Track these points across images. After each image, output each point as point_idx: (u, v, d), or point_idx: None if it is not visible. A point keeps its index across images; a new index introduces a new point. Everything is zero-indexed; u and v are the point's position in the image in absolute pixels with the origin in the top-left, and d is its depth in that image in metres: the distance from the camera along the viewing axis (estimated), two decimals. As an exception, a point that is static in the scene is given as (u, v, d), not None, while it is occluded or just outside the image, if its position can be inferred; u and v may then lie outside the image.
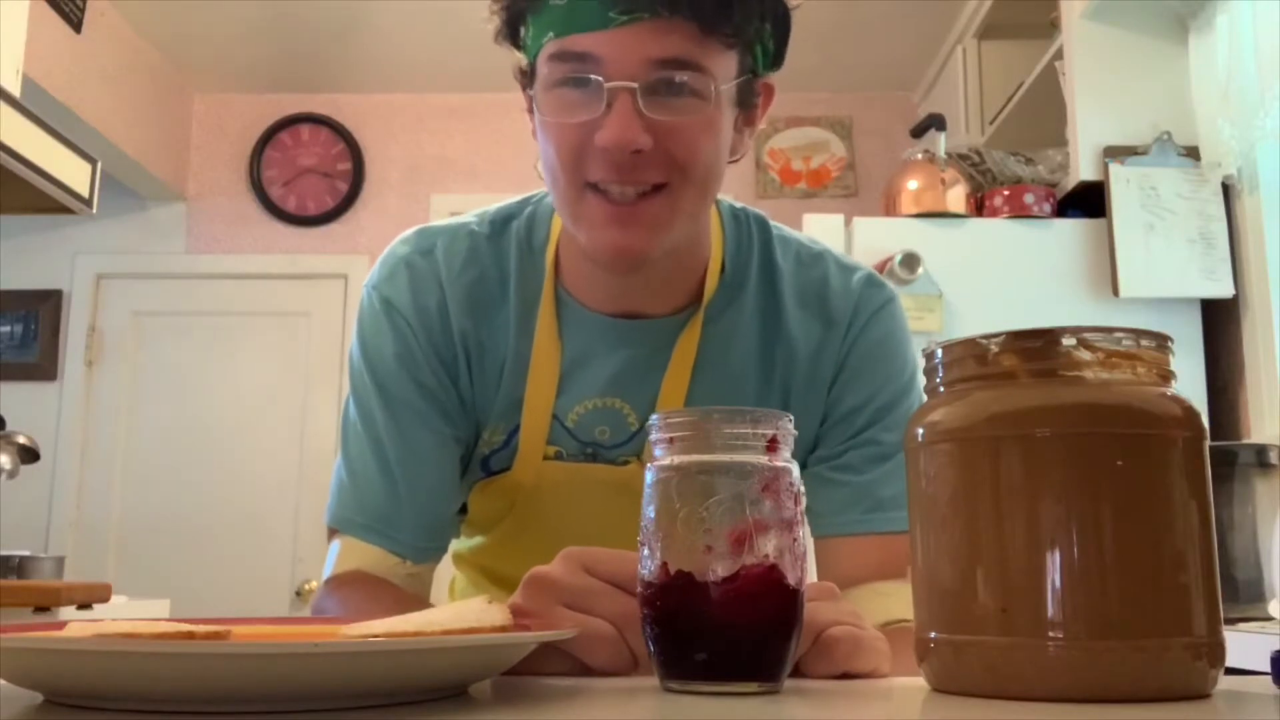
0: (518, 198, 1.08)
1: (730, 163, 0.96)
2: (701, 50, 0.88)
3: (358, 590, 0.96)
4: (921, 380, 1.03)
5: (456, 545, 1.17)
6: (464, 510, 1.10)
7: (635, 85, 0.86)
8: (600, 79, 0.87)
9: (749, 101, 0.96)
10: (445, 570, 1.15)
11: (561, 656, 0.64)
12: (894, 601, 0.91)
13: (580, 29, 0.87)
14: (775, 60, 0.96)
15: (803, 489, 0.61)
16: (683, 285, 1.02)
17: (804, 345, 1.02)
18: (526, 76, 0.95)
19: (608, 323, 1.01)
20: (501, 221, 1.05)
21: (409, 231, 1.07)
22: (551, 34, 0.89)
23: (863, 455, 1.01)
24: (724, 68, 0.90)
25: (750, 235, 1.06)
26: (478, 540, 1.13)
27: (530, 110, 0.96)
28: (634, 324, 1.01)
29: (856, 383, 1.02)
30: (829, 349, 1.02)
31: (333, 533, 1.02)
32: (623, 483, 1.02)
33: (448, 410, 1.01)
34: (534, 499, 1.05)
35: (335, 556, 1.00)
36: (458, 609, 0.61)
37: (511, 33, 0.94)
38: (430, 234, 1.05)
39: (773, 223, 1.08)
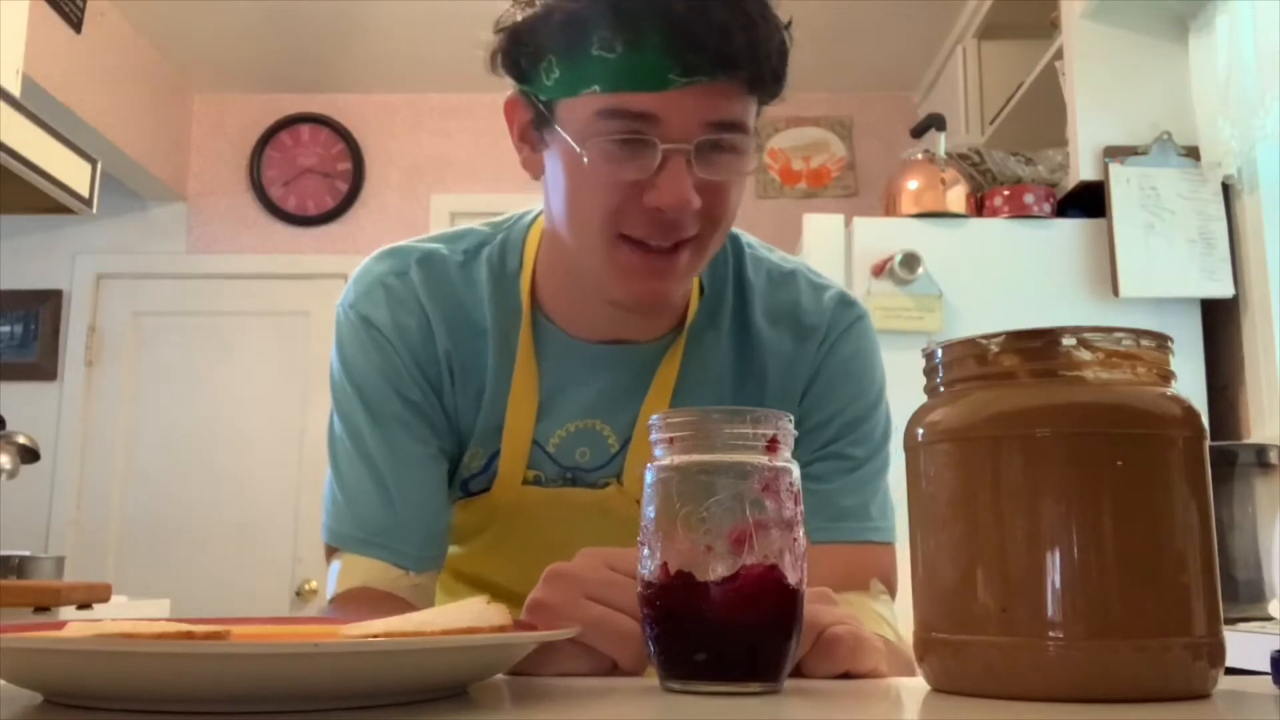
0: (487, 224, 1.08)
1: None
2: (745, 109, 0.89)
3: (362, 608, 0.96)
4: (888, 399, 1.06)
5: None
6: None
7: (690, 147, 0.86)
8: (656, 140, 0.86)
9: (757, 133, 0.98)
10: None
11: (584, 655, 0.64)
12: (855, 613, 0.91)
13: (637, 87, 0.86)
14: (776, 93, 0.97)
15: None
16: (669, 311, 1.02)
17: (776, 361, 1.03)
18: (538, 118, 0.92)
19: (591, 349, 1.01)
20: (473, 249, 1.04)
21: (379, 251, 1.06)
22: (597, 87, 0.87)
23: (829, 467, 1.01)
24: (753, 117, 0.91)
25: (725, 253, 1.06)
26: (454, 549, 1.13)
27: (522, 141, 0.95)
28: (618, 350, 1.02)
29: (826, 397, 1.03)
30: (801, 363, 1.03)
31: (331, 551, 1.01)
32: (601, 504, 1.02)
33: (434, 423, 1.01)
34: (512, 519, 1.05)
35: (336, 575, 0.99)
36: (457, 609, 0.61)
37: (513, 64, 0.92)
38: (402, 254, 1.04)
39: (745, 238, 1.09)
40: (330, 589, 0.99)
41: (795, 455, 1.01)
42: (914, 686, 0.61)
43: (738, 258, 1.06)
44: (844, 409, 1.03)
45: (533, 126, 0.94)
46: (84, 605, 2.38)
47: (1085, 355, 0.56)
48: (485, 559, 1.11)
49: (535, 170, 0.97)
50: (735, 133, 0.88)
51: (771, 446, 0.60)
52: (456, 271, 1.03)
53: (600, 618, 0.64)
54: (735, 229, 1.08)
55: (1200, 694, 0.54)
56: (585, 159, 0.88)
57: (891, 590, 0.99)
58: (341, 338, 1.03)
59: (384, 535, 0.98)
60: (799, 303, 1.05)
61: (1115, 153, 2.61)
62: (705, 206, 0.89)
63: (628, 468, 1.02)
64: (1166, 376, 0.57)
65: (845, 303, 1.06)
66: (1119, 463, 0.53)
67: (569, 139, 0.89)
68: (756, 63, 0.86)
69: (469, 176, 4.25)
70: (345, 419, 1.01)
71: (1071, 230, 2.65)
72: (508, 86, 0.96)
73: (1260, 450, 1.88)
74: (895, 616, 0.96)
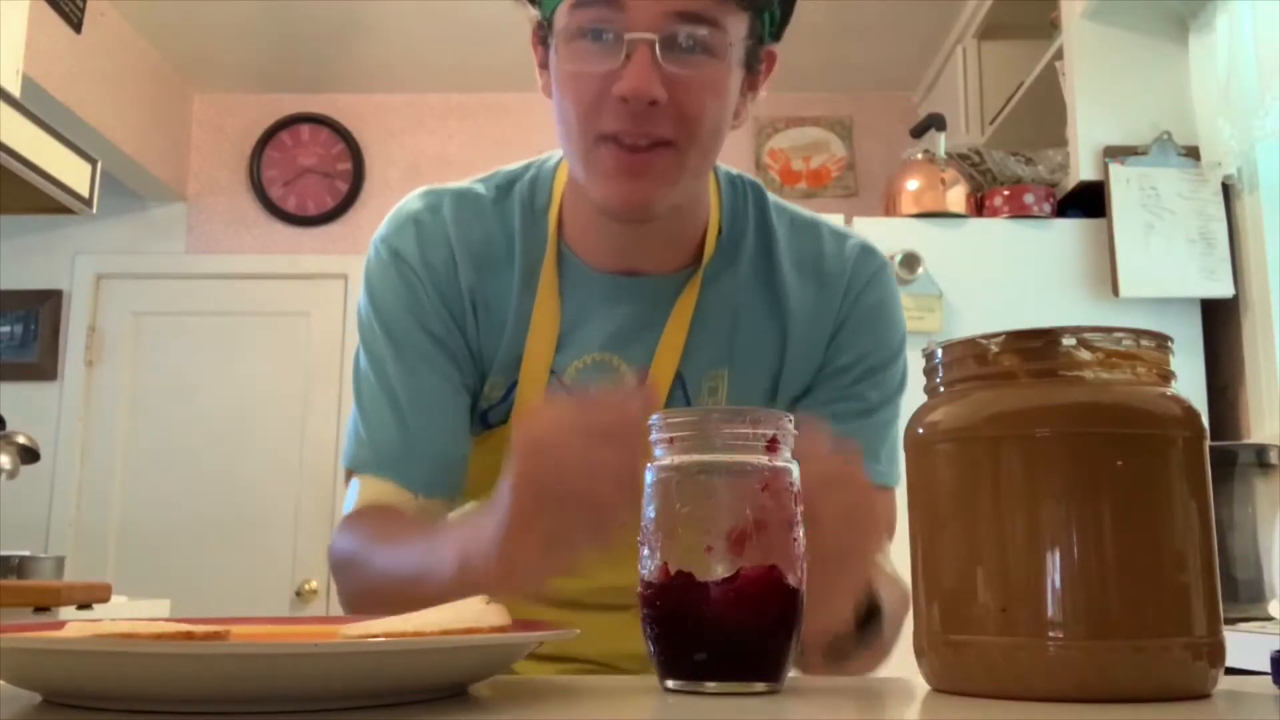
0: (520, 162, 1.12)
1: (732, 127, 1.00)
2: (718, 8, 0.92)
3: (370, 521, 1.00)
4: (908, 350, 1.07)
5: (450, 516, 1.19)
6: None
7: (654, 37, 0.90)
8: (619, 29, 0.90)
9: (754, 66, 1.00)
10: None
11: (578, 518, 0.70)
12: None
13: None
14: (779, 31, 1.00)
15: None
16: (683, 245, 1.05)
17: (799, 306, 1.06)
18: (542, 30, 0.98)
19: (609, 280, 1.05)
20: (506, 185, 1.09)
21: (417, 190, 1.10)
22: None
23: (846, 409, 1.05)
24: (736, 27, 0.94)
25: (746, 199, 1.09)
26: (471, 506, 1.14)
27: (542, 66, 1.00)
28: (634, 281, 1.05)
29: (852, 341, 1.07)
30: (826, 309, 1.06)
31: (350, 476, 1.06)
32: None
33: (457, 358, 1.05)
34: None
35: (353, 495, 1.04)
36: (457, 609, 0.61)
37: None
38: (437, 193, 1.09)
39: (765, 188, 1.12)
40: (346, 508, 1.04)
41: (817, 396, 1.06)
42: (914, 686, 0.61)
43: (759, 202, 1.09)
44: (868, 354, 1.06)
45: (541, 45, 1.00)
46: (84, 605, 2.38)
47: (1085, 355, 0.56)
48: None
49: (548, 91, 1.00)
50: (705, 25, 0.91)
51: (771, 446, 0.59)
52: (490, 207, 1.08)
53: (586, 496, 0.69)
54: (758, 180, 1.12)
55: (1200, 694, 0.54)
56: (561, 57, 0.94)
57: (890, 533, 1.02)
58: (370, 272, 1.07)
59: (394, 458, 1.02)
60: (822, 252, 1.08)
61: (1115, 153, 2.61)
62: (677, 106, 0.92)
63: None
64: (1166, 376, 0.57)
65: (868, 251, 1.09)
66: (1119, 463, 0.53)
67: (551, 44, 0.95)
68: None
69: (469, 176, 4.24)
70: (370, 352, 1.06)
71: (1071, 230, 2.65)
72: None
73: (1260, 450, 1.88)
74: (891, 561, 0.99)
